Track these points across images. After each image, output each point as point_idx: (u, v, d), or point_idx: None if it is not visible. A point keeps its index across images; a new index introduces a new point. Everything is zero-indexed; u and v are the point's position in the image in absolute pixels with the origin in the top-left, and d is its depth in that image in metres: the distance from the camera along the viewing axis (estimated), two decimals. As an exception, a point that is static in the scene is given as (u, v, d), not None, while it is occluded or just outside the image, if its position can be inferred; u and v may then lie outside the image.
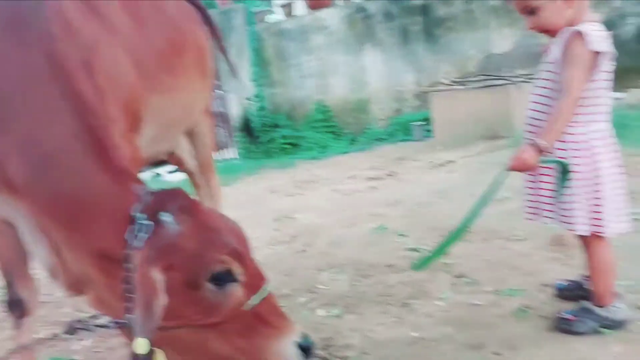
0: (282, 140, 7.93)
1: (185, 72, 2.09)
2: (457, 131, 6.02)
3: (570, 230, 1.80)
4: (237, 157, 8.80)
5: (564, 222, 1.79)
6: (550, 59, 1.78)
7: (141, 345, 1.10)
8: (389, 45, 7.61)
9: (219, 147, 9.36)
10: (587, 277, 1.92)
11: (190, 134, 2.66)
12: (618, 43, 7.13)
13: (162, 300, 1.13)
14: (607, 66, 1.71)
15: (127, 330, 1.27)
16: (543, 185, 1.82)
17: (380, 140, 7.52)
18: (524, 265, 2.42)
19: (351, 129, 7.97)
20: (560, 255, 2.47)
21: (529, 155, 1.66)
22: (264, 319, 1.27)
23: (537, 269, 2.35)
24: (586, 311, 1.83)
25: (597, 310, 1.81)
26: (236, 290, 1.24)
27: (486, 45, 7.16)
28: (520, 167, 1.69)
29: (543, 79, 1.83)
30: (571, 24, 1.71)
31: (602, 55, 1.68)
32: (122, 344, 2.33)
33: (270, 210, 4.49)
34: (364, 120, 7.90)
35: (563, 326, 1.83)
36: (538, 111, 1.83)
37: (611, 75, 1.73)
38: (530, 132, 1.85)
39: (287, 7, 8.29)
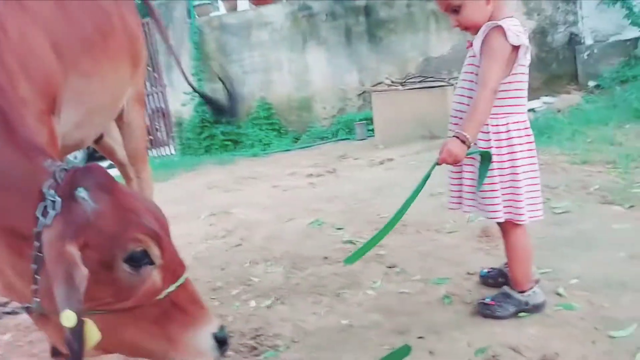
0: (222, 137, 7.80)
1: (111, 57, 2.03)
2: (397, 130, 6.14)
3: (489, 217, 1.86)
4: (175, 152, 8.61)
5: (483, 211, 1.85)
6: (472, 53, 1.84)
7: (68, 317, 1.04)
8: (332, 44, 7.66)
9: (157, 142, 9.15)
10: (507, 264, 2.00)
11: (120, 123, 2.58)
12: (549, 50, 7.46)
13: (84, 270, 1.08)
14: (525, 60, 1.78)
15: (36, 315, 1.20)
16: (465, 175, 1.88)
17: (323, 138, 7.56)
18: (452, 255, 2.49)
19: (294, 127, 7.97)
20: (486, 245, 2.56)
21: (456, 147, 1.69)
22: (181, 307, 1.22)
23: (463, 259, 2.43)
24: (506, 296, 1.90)
25: (517, 295, 1.89)
26: (152, 274, 1.19)
27: (426, 47, 7.34)
28: (449, 160, 1.72)
29: (466, 72, 1.89)
30: (492, 20, 1.77)
31: (521, 49, 1.75)
32: (44, 338, 2.22)
33: (207, 206, 4.42)
34: (307, 119, 7.91)
35: (484, 311, 1.90)
36: (462, 104, 1.89)
37: (528, 69, 1.81)
38: (455, 124, 1.90)
39: (231, 2, 8.18)
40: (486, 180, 1.78)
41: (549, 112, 5.72)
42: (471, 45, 1.85)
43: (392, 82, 6.60)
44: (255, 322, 2.13)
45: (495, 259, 2.35)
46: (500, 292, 1.93)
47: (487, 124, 1.80)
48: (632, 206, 2.70)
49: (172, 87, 8.30)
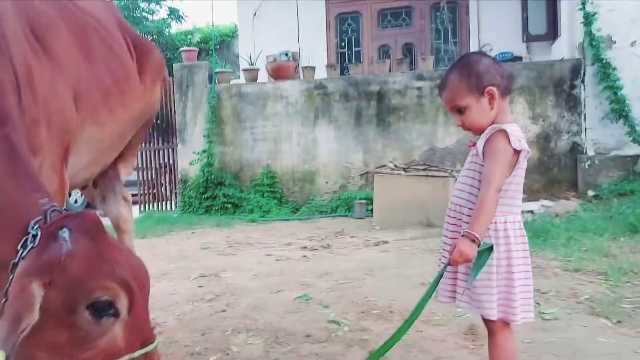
0: (224, 199, 7.87)
1: (125, 107, 2.12)
2: (395, 214, 6.21)
3: (483, 315, 1.85)
4: (175, 209, 8.66)
5: (477, 307, 1.85)
6: (475, 152, 1.91)
7: (2, 356, 1.02)
8: (342, 123, 7.92)
9: (160, 197, 9.22)
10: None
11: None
12: (551, 155, 7.69)
13: (34, 316, 1.05)
14: (524, 163, 1.85)
15: None
16: (461, 269, 1.88)
17: (322, 212, 7.63)
18: (436, 349, 2.46)
19: (295, 198, 8.07)
20: (471, 344, 2.53)
21: (467, 248, 1.71)
22: None
23: (447, 355, 2.39)
24: (484, 399, 1.86)
25: (495, 399, 1.85)
26: (114, 327, 1.13)
27: (432, 138, 7.58)
28: (460, 260, 1.73)
29: (468, 169, 1.95)
30: (494, 124, 1.86)
31: (522, 154, 1.82)
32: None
33: (199, 267, 4.41)
34: (309, 191, 8.02)
35: (461, 411, 1.86)
36: (461, 198, 1.93)
37: (524, 172, 1.88)
38: (452, 217, 1.95)
39: (252, 73, 8.52)
40: (483, 277, 1.79)
41: (546, 216, 5.79)
42: (473, 145, 1.93)
43: (396, 166, 6.75)
44: (227, 394, 2.08)
45: (479, 359, 2.32)
46: (479, 393, 1.90)
47: None
48: (619, 321, 2.69)
49: (183, 145, 8.50)
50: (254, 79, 8.48)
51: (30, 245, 1.14)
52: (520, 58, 8.11)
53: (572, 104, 7.13)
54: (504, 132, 1.79)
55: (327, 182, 7.99)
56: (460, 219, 1.89)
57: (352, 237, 5.75)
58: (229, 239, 5.80)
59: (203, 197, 8.01)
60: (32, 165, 1.34)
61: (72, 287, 1.10)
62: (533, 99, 7.22)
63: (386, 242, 5.28)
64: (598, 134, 7.01)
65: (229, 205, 7.89)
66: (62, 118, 1.61)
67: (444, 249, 1.96)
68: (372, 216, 6.68)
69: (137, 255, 1.31)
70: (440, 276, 1.81)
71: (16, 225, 1.18)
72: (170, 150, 9.10)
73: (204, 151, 8.13)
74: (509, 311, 1.82)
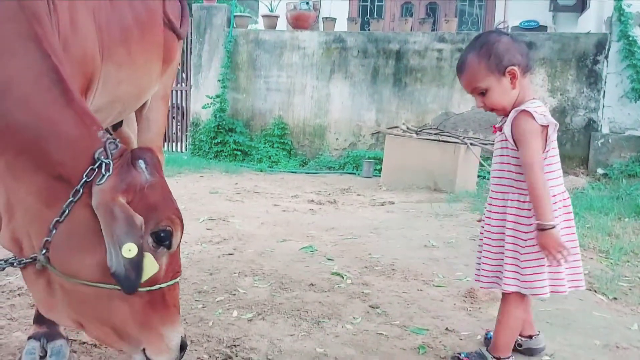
0: (234, 146, 7.91)
1: (145, 50, 2.09)
2: (403, 176, 6.24)
3: (534, 294, 1.86)
4: (185, 151, 8.71)
5: (527, 288, 1.84)
6: (503, 137, 1.90)
7: (130, 249, 1.15)
8: (358, 80, 7.84)
9: (170, 138, 9.25)
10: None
11: (139, 116, 2.60)
12: (565, 130, 7.61)
13: (140, 217, 1.19)
14: (554, 135, 1.86)
15: (31, 270, 1.27)
16: (507, 253, 1.87)
17: (330, 168, 7.67)
18: (435, 308, 2.54)
19: (304, 151, 8.09)
20: (469, 306, 2.61)
21: (548, 239, 1.74)
22: (167, 304, 1.31)
23: (445, 314, 2.48)
24: (480, 357, 1.94)
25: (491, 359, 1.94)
26: (163, 258, 1.28)
27: (447, 103, 7.51)
28: (556, 254, 1.75)
29: (500, 155, 1.94)
30: (517, 103, 1.85)
31: (550, 127, 1.82)
32: (28, 305, 2.27)
33: (207, 211, 4.49)
34: (319, 146, 8.04)
35: (456, 366, 1.94)
36: (502, 185, 1.91)
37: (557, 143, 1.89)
38: (494, 205, 1.93)
39: (271, 20, 8.38)
40: (530, 258, 1.82)
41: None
42: (496, 130, 1.93)
43: (408, 128, 6.73)
44: (234, 332, 2.17)
45: (476, 321, 2.41)
46: (477, 351, 1.98)
47: (528, 202, 1.83)
48: (615, 298, 2.76)
49: (196, 88, 8.46)
50: (272, 26, 8.34)
51: (107, 174, 1.22)
52: (545, 28, 7.92)
53: (593, 79, 7.02)
54: (527, 112, 1.79)
55: (337, 139, 7.99)
56: (505, 206, 1.89)
57: (358, 195, 5.81)
58: (237, 186, 5.87)
59: (213, 142, 8.04)
60: (80, 96, 1.37)
61: (146, 212, 1.23)
62: (554, 71, 7.11)
63: (392, 203, 5.34)
64: (615, 113, 6.94)
65: (239, 153, 7.94)
66: (85, 48, 1.58)
67: (482, 235, 1.99)
68: (379, 176, 6.71)
69: None
70: None
71: (83, 156, 1.25)
72: (183, 92, 9.06)
73: (217, 96, 8.10)
74: (557, 284, 1.85)
